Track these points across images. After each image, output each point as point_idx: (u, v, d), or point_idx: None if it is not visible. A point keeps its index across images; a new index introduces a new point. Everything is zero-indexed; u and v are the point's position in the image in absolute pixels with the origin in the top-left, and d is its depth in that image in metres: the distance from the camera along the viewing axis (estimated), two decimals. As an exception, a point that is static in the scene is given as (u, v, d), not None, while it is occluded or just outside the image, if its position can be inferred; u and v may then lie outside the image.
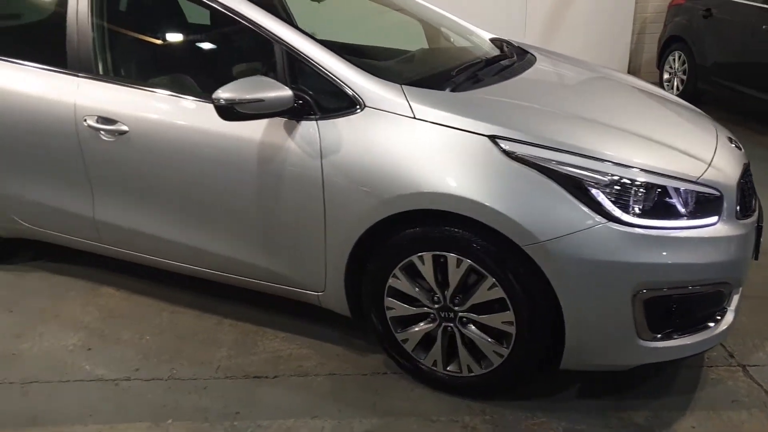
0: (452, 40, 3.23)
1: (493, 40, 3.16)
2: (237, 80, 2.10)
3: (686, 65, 6.08)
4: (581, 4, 6.98)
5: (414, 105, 2.06)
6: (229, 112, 2.07)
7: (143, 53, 2.87)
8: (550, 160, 1.90)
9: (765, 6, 5.10)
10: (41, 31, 2.94)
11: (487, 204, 1.88)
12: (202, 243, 2.51)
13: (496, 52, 2.93)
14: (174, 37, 3.08)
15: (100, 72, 2.58)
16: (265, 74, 2.32)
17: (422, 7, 3.26)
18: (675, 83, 6.28)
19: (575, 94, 2.54)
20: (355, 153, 2.08)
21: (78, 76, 2.59)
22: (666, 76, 6.44)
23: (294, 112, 2.15)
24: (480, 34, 3.20)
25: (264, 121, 2.21)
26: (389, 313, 2.23)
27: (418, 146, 2.02)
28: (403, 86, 2.12)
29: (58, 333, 2.69)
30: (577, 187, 1.87)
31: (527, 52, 3.00)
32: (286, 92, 2.10)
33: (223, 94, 2.05)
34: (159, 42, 2.97)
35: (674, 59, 6.29)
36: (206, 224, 2.47)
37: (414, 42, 3.16)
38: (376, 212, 2.07)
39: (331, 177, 2.12)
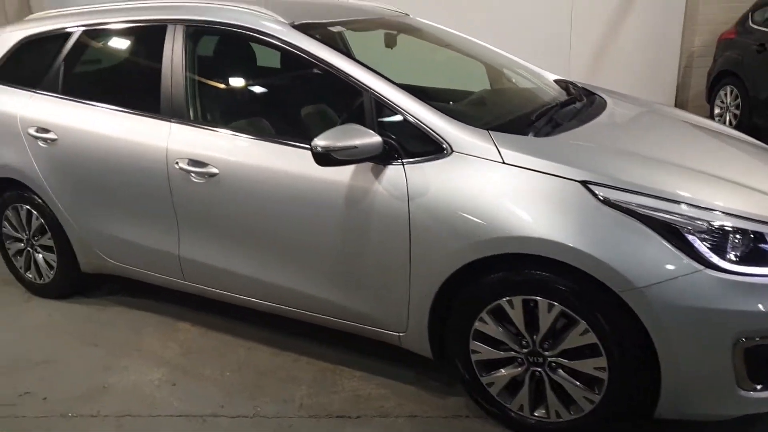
0: (514, 80, 3.28)
1: (557, 81, 3.20)
2: (332, 129, 2.18)
3: (739, 99, 6.00)
4: (626, 39, 6.99)
5: (503, 150, 2.10)
6: (325, 158, 2.15)
7: (233, 100, 3.01)
8: (645, 206, 1.91)
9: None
10: (135, 78, 3.10)
11: (584, 250, 1.90)
12: (285, 281, 2.57)
13: (563, 93, 2.97)
14: (262, 84, 3.22)
15: (191, 118, 2.71)
16: (348, 119, 2.41)
17: (484, 48, 3.32)
18: (727, 118, 6.20)
19: (652, 136, 2.55)
20: (443, 196, 2.13)
21: (170, 121, 2.73)
22: (717, 110, 6.37)
23: (381, 157, 2.22)
24: (545, 76, 3.24)
25: (351, 165, 2.28)
26: (474, 357, 2.24)
27: (509, 191, 2.05)
28: (490, 132, 2.17)
29: (142, 367, 2.78)
30: (673, 233, 1.87)
31: (594, 94, 3.03)
32: (376, 138, 2.17)
33: (320, 141, 2.14)
34: (248, 89, 3.11)
35: (726, 93, 6.23)
36: (290, 263, 2.53)
37: (476, 83, 3.22)
38: (466, 255, 2.10)
39: (418, 219, 2.17)
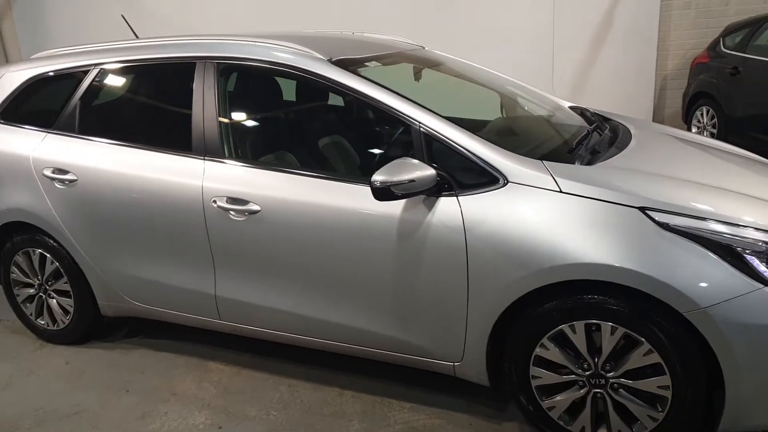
0: (530, 108, 3.38)
1: (572, 108, 3.32)
2: (388, 164, 2.21)
3: (715, 119, 6.31)
4: (605, 64, 7.29)
5: (559, 180, 2.17)
6: (385, 193, 2.18)
7: (269, 136, 3.00)
8: (703, 229, 2.00)
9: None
10: (161, 116, 3.07)
11: (650, 274, 1.96)
12: (332, 316, 2.56)
13: (582, 120, 3.08)
14: (297, 120, 3.22)
15: (226, 155, 2.69)
16: (393, 152, 2.44)
17: (498, 77, 3.42)
18: (705, 136, 6.51)
19: (684, 160, 2.67)
20: (501, 226, 2.17)
21: (203, 159, 2.70)
22: (695, 129, 6.67)
23: (433, 189, 2.26)
24: (561, 103, 3.36)
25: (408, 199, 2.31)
26: (535, 382, 2.27)
27: (569, 219, 2.11)
28: (544, 162, 2.24)
29: (182, 412, 2.70)
30: (733, 255, 1.96)
31: (610, 120, 3.16)
32: (431, 172, 2.22)
33: (379, 177, 2.17)
34: (284, 125, 3.11)
35: (702, 113, 6.54)
36: (338, 298, 2.53)
37: (493, 113, 3.30)
38: (526, 283, 2.15)
39: (475, 250, 2.21)
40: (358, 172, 2.82)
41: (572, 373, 2.21)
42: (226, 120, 2.73)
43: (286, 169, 2.59)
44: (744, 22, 6.37)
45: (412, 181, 2.18)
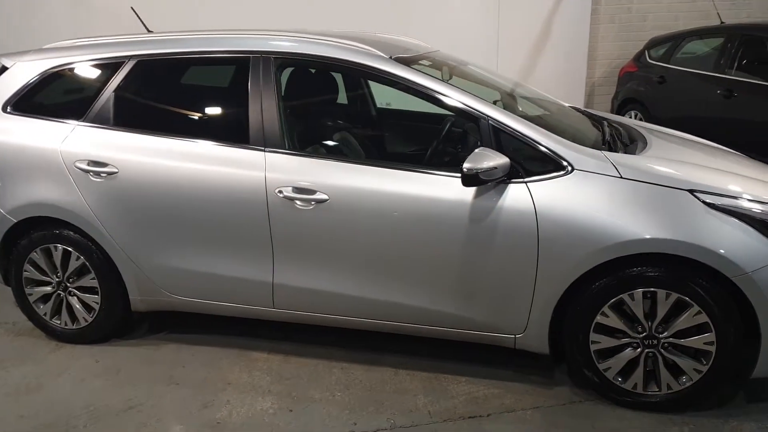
0: (543, 107, 3.67)
1: (572, 108, 3.68)
2: (472, 154, 2.42)
3: (642, 122, 7.03)
4: (543, 69, 7.88)
5: (619, 167, 2.47)
6: (474, 179, 2.39)
7: (331, 128, 3.09)
8: (741, 207, 2.38)
9: (717, 75, 6.13)
10: (211, 109, 3.07)
11: (705, 246, 2.31)
12: (398, 297, 2.72)
13: (585, 118, 3.43)
14: (359, 112, 3.32)
15: (288, 146, 2.77)
16: (458, 144, 2.65)
17: (509, 80, 3.72)
18: (634, 138, 7.23)
19: (695, 151, 3.06)
20: (570, 209, 2.45)
21: (264, 150, 2.76)
22: (624, 132, 7.39)
23: (506, 176, 2.49)
24: (563, 104, 3.70)
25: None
26: (593, 347, 2.56)
27: (630, 201, 2.42)
28: (604, 152, 2.54)
29: (244, 399, 2.74)
30: (766, 227, 2.35)
31: (604, 118, 3.55)
32: (506, 160, 2.45)
33: (468, 164, 2.38)
34: (345, 117, 3.20)
35: (630, 116, 7.26)
36: (404, 280, 2.69)
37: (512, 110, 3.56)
38: (594, 259, 2.43)
39: (546, 230, 2.46)
40: (423, 161, 2.99)
41: (628, 336, 2.52)
42: (286, 113, 2.81)
43: (353, 159, 2.72)
44: (666, 37, 7.15)
45: (494, 168, 2.40)
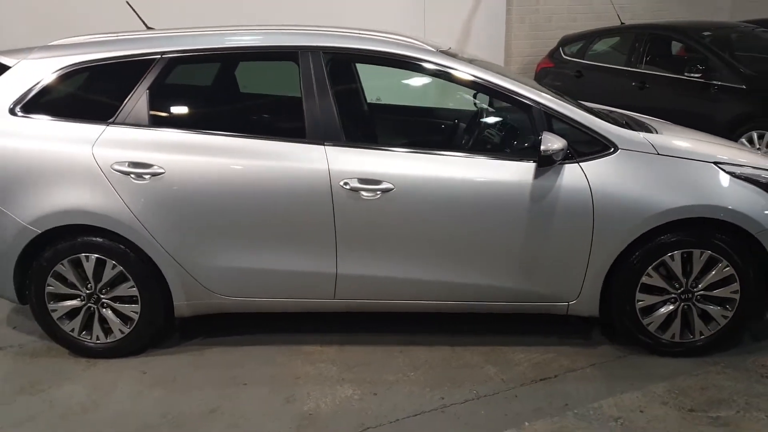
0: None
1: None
2: (543, 137, 2.66)
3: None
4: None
5: (655, 145, 2.83)
6: (548, 160, 2.64)
7: (387, 119, 3.15)
8: (754, 175, 2.82)
9: (630, 69, 6.88)
10: (260, 105, 3.03)
11: (735, 208, 2.72)
12: (462, 277, 2.89)
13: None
14: (414, 103, 3.38)
15: (346, 139, 2.83)
16: (512, 129, 2.89)
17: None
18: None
19: (689, 131, 3.50)
20: (620, 184, 2.76)
21: (323, 144, 2.81)
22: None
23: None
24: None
25: (530, 166, 2.77)
26: (638, 305, 2.90)
27: (668, 174, 2.78)
28: (641, 132, 2.89)
29: (323, 389, 2.78)
30: (777, 190, 2.82)
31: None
32: (565, 142, 2.71)
33: (545, 147, 2.62)
34: (401, 108, 3.26)
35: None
36: (468, 260, 2.86)
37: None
38: (642, 227, 2.76)
39: (600, 205, 2.76)
40: (483, 148, 3.17)
41: (668, 292, 2.89)
42: (343, 106, 2.87)
43: (414, 148, 2.85)
44: (577, 35, 7.87)
45: (561, 149, 2.66)
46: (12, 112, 2.90)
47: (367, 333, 3.22)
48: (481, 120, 3.24)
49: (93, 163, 2.82)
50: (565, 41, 7.94)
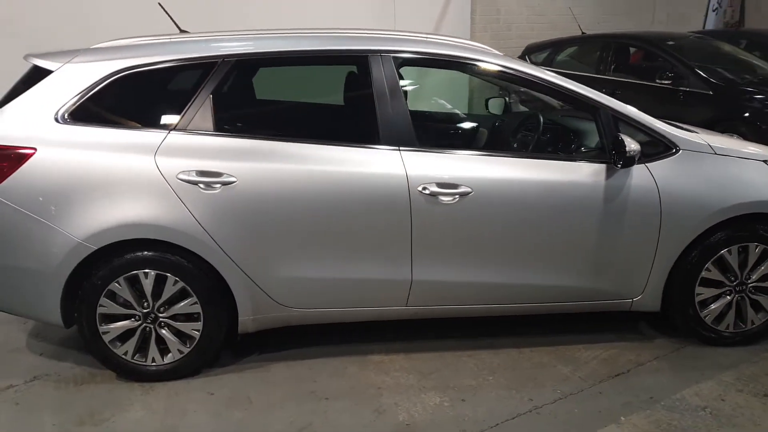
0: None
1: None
2: (624, 140, 2.73)
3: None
4: (434, 72, 8.43)
5: (712, 146, 2.97)
6: (631, 161, 2.73)
7: (459, 123, 3.11)
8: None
9: (599, 76, 7.20)
10: (327, 110, 2.93)
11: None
12: (537, 279, 2.92)
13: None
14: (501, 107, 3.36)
15: (420, 144, 2.80)
16: (581, 131, 2.96)
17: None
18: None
19: (715, 133, 3.69)
20: (684, 183, 2.89)
21: (399, 149, 2.77)
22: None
23: None
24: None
25: (600, 167, 2.85)
26: (697, 298, 3.03)
27: (725, 172, 2.94)
28: (698, 133, 3.03)
29: (410, 398, 2.73)
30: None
31: None
32: (638, 145, 2.80)
33: (629, 148, 2.70)
34: (474, 113, 3.22)
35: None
36: (543, 262, 2.90)
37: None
38: (704, 224, 2.90)
39: (667, 203, 2.87)
40: (551, 150, 3.20)
41: (724, 285, 3.03)
42: (417, 110, 2.84)
43: (489, 152, 2.86)
44: (543, 44, 8.17)
45: (640, 151, 2.75)
46: (59, 119, 2.67)
47: (426, 339, 3.18)
48: (543, 122, 3.29)
49: (156, 173, 2.64)
50: (531, 50, 8.22)
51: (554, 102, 3.40)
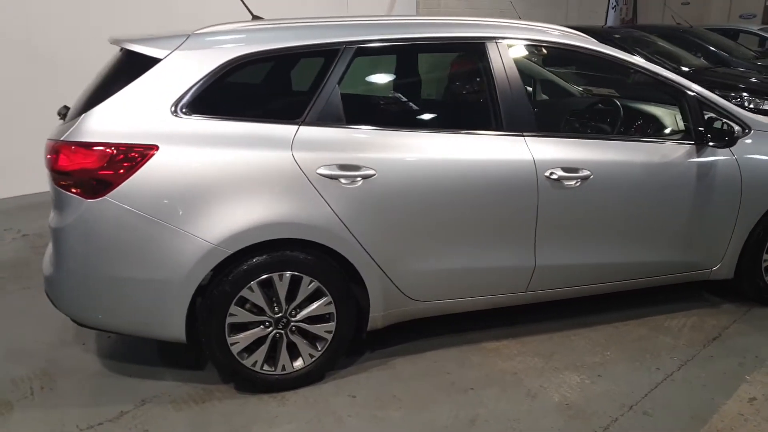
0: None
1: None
2: (726, 122, 2.94)
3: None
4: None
5: (775, 125, 3.31)
6: (734, 141, 2.98)
7: (577, 108, 3.13)
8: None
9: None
10: (452, 97, 2.86)
11: None
12: (644, 256, 3.10)
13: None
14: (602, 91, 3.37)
15: (539, 129, 2.86)
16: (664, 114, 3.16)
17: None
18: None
19: None
20: (759, 159, 3.18)
21: (522, 135, 2.80)
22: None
23: None
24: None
25: (691, 148, 3.07)
26: (765, 264, 3.35)
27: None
28: (758, 115, 3.33)
29: (552, 380, 2.78)
30: None
31: None
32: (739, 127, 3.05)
33: (736, 129, 2.91)
34: (589, 96, 3.23)
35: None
36: (652, 239, 3.08)
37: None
38: (776, 194, 3.22)
39: (746, 179, 3.15)
40: (659, 133, 3.35)
41: (789, 250, 3.39)
42: (534, 96, 2.88)
43: (605, 136, 2.97)
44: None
45: (741, 131, 2.99)
46: (177, 113, 2.42)
47: (523, 323, 3.24)
48: (633, 106, 3.46)
49: (295, 168, 2.48)
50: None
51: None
